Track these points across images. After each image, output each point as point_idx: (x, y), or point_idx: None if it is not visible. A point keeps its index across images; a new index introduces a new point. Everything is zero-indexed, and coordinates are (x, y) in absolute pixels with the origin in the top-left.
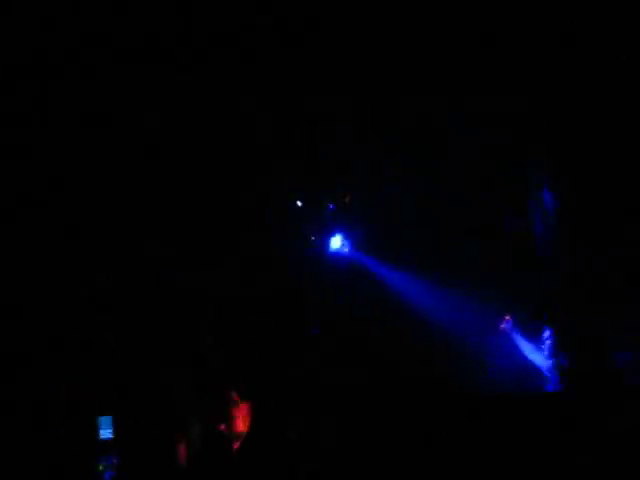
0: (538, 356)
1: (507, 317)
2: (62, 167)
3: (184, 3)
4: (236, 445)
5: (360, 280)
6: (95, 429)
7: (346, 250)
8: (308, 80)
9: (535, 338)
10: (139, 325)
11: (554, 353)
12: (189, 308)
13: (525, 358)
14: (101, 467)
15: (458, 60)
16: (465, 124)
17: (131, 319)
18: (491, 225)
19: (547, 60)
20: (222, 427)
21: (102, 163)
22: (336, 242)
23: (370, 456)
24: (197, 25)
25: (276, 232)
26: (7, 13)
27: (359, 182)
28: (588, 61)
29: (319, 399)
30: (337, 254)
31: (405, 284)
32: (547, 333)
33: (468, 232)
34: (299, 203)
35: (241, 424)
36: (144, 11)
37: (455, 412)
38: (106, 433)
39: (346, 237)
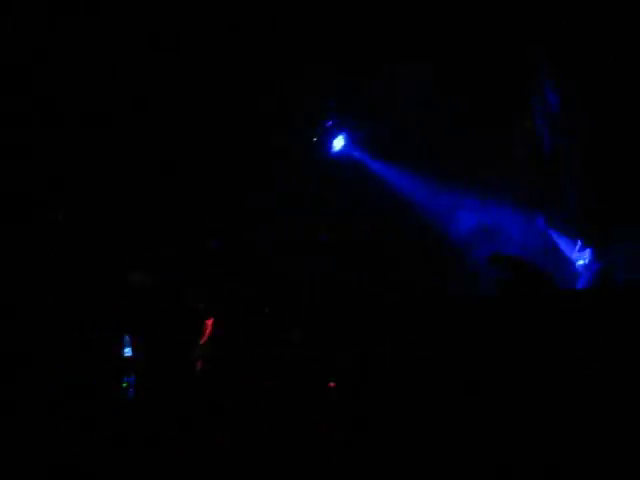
0: (572, 251)
1: (540, 215)
2: (62, 167)
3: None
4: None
5: (364, 181)
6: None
7: (347, 149)
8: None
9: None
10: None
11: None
12: None
13: (560, 253)
14: (125, 384)
15: None
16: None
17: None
18: (497, 126)
19: None
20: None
21: (102, 163)
22: (339, 142)
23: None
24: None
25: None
26: (7, 13)
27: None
28: None
29: (325, 302)
30: (340, 154)
31: (414, 186)
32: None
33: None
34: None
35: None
36: (144, 10)
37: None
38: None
39: (348, 137)
